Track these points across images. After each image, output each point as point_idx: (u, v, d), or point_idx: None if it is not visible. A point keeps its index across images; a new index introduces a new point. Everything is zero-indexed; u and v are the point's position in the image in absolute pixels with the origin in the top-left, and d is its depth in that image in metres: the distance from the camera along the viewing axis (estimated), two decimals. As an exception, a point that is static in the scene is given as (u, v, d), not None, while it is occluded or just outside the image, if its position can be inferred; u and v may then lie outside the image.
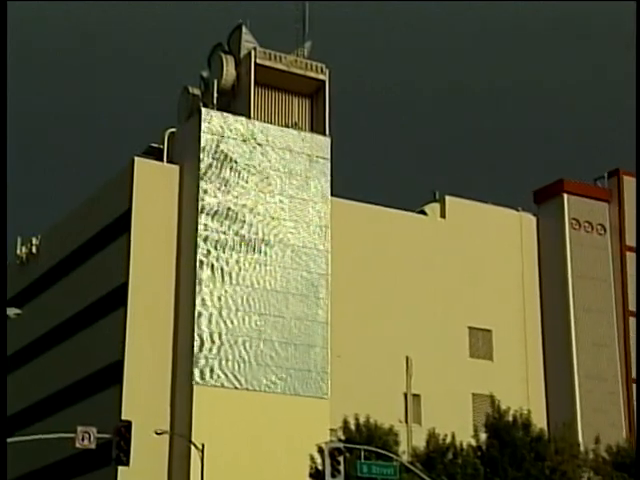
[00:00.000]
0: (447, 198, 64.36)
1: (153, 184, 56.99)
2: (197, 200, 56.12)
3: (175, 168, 57.97)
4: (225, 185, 56.78)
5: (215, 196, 56.49)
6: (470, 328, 62.43)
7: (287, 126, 59.51)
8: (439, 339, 60.90)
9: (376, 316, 59.57)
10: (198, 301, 54.82)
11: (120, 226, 57.08)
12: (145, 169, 57.19)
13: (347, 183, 64.50)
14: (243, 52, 60.43)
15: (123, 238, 56.60)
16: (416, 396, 59.46)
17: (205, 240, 55.80)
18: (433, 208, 64.20)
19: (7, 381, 58.87)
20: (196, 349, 54.04)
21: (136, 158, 57.42)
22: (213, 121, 57.16)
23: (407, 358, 59.22)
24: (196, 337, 54.24)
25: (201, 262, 55.42)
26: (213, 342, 54.55)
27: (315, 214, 58.41)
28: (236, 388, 54.18)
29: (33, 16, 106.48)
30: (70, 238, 61.87)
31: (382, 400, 56.59)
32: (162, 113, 65.97)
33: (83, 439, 37.26)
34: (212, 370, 54.19)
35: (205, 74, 60.68)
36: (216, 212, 56.30)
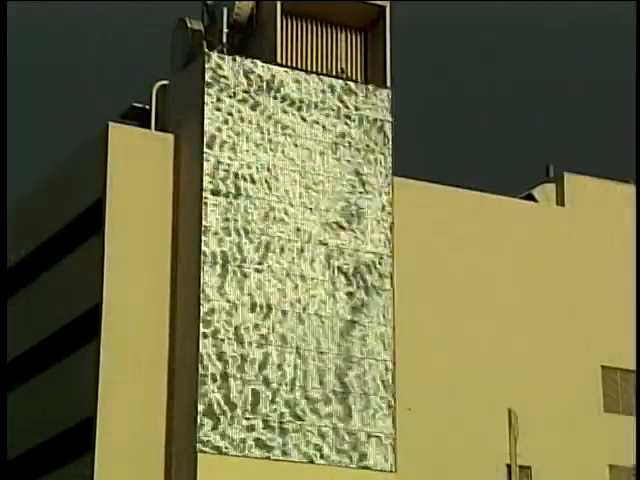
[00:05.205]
0: (566, 176, 58.53)
1: (137, 160, 52.87)
2: (201, 181, 51.59)
3: (168, 137, 53.58)
4: (240, 160, 52.41)
5: (226, 176, 52.08)
6: (604, 367, 56.98)
7: (329, 75, 54.73)
8: (557, 383, 55.59)
9: (461, 351, 54.43)
10: (202, 328, 49.72)
11: (90, 222, 53.08)
12: (125, 139, 53.06)
13: (416, 156, 60.08)
14: (265, -31, 55.77)
15: (94, 239, 52.50)
16: (524, 468, 53.49)
17: (211, 240, 51.29)
18: (546, 191, 58.64)
19: None
20: (200, 401, 49.23)
21: (111, 124, 52.94)
22: (222, 68, 52.82)
23: (510, 412, 51.95)
24: (200, 383, 49.16)
25: (206, 271, 50.67)
26: (226, 390, 49.51)
27: (371, 200, 54.03)
28: (261, 458, 49.30)
29: (33, 16, 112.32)
30: (19, 242, 57.97)
31: (474, 473, 52.10)
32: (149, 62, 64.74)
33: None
34: (225, 432, 49.11)
35: (210, 1, 56.00)
36: (227, 198, 51.99)
